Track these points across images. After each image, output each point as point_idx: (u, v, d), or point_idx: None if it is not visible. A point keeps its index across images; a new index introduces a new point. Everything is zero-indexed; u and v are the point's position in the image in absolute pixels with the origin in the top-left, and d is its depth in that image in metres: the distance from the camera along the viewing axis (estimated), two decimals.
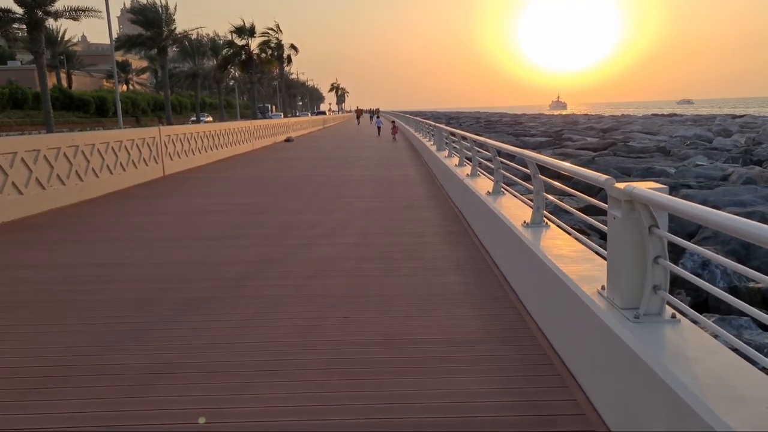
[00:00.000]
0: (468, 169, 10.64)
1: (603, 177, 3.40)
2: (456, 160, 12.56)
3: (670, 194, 3.00)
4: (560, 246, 4.84)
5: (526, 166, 6.00)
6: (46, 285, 5.97)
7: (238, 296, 5.45)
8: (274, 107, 72.06)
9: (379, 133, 36.91)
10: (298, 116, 56.29)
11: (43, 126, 40.98)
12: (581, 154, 19.17)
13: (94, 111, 68.51)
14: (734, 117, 51.62)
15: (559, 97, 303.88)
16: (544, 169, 5.65)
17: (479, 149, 9.98)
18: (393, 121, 36.37)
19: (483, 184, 8.85)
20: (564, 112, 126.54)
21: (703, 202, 9.41)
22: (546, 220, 5.71)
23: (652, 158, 18.02)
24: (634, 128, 37.01)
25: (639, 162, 16.31)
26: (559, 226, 5.52)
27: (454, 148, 13.28)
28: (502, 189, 7.84)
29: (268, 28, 51.18)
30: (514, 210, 6.58)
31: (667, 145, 21.97)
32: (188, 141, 18.11)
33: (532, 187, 5.89)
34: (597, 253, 4.39)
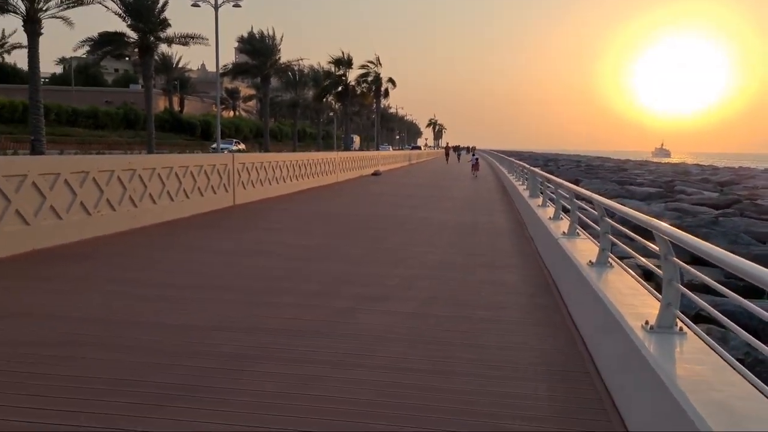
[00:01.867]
0: (565, 224, 8.79)
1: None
2: (551, 211, 10.70)
3: None
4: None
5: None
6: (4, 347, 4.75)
7: (228, 389, 3.99)
8: (359, 138, 72.11)
9: (473, 171, 34.98)
10: (379, 150, 55.49)
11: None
12: (700, 212, 16.52)
13: (199, 134, 71.69)
14: None
15: (663, 145, 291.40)
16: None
17: (581, 203, 8.13)
18: (477, 159, 36.63)
19: (583, 248, 7.02)
20: (667, 160, 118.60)
21: None
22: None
23: None
24: (758, 183, 32.96)
25: None
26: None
27: (551, 198, 11.41)
28: (610, 259, 5.99)
29: (368, 62, 51.37)
30: (629, 293, 4.80)
31: None
32: (264, 170, 17.31)
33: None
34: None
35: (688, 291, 3.77)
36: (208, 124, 71.85)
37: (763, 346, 2.73)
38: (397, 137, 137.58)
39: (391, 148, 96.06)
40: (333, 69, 49.68)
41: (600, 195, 21.57)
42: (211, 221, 12.36)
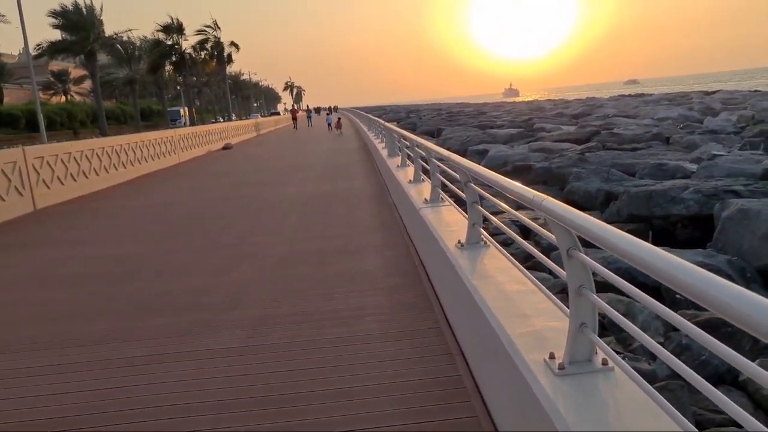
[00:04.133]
0: (427, 188, 7.32)
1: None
2: (411, 171, 9.22)
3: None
4: None
5: None
6: None
7: None
8: (187, 111, 63.07)
9: (330, 129, 38.88)
10: (231, 120, 51.41)
11: None
12: (564, 149, 16.00)
13: (24, 126, 63.06)
14: (707, 93, 49.42)
15: (511, 85, 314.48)
16: None
17: (441, 164, 6.63)
18: (339, 118, 39.68)
19: (450, 220, 5.56)
20: (517, 99, 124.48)
21: None
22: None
23: (650, 149, 14.98)
24: (608, 111, 34.20)
25: (639, 156, 13.23)
26: None
27: (409, 155, 9.92)
28: (482, 236, 4.52)
29: (205, 26, 46.98)
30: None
31: (661, 130, 18.99)
32: (76, 161, 14.33)
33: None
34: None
35: (489, 214, 4.27)
36: (35, 114, 63.45)
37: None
38: (256, 104, 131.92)
39: (258, 116, 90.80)
40: (163, 38, 44.90)
41: (464, 143, 20.49)
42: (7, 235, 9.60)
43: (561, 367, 2.37)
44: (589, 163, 12.08)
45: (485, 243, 4.44)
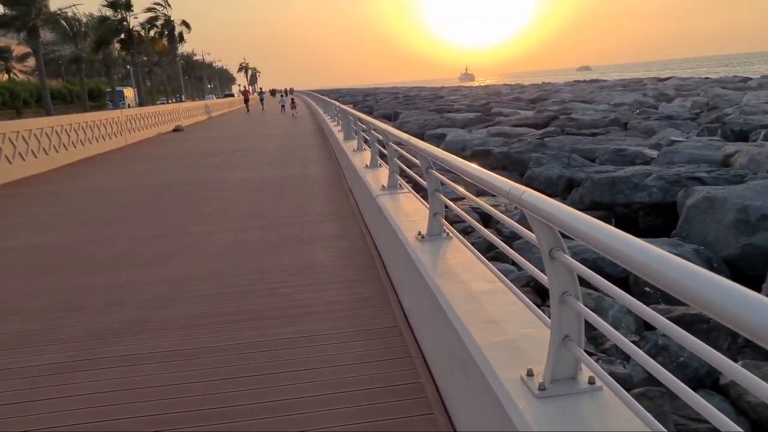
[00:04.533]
0: (386, 174, 6.91)
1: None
2: (368, 156, 8.80)
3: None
4: None
5: None
6: None
7: None
8: (131, 92, 59.18)
9: (282, 111, 39.18)
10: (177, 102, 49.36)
11: None
12: (522, 134, 15.81)
13: None
14: (660, 80, 50.33)
15: (467, 69, 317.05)
16: None
17: (399, 148, 6.22)
18: (293, 99, 40.17)
19: (410, 208, 5.17)
20: (474, 83, 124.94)
21: (745, 209, 6.15)
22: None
23: (609, 134, 14.89)
24: (564, 96, 34.31)
25: (598, 141, 13.11)
26: None
27: (366, 139, 9.49)
28: (444, 226, 4.14)
29: (155, 3, 45.06)
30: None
31: (618, 116, 19.00)
32: (12, 143, 13.35)
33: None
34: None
35: (450, 201, 3.85)
36: None
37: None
38: (210, 86, 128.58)
39: (214, 97, 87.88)
40: (110, 14, 42.91)
41: (421, 126, 20.16)
42: None
43: (542, 388, 2.04)
44: (549, 148, 11.87)
45: (447, 234, 4.06)
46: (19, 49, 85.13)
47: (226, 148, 18.12)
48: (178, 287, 5.11)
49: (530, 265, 2.42)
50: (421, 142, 4.11)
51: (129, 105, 52.11)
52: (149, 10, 44.83)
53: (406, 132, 9.93)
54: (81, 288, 5.26)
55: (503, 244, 2.91)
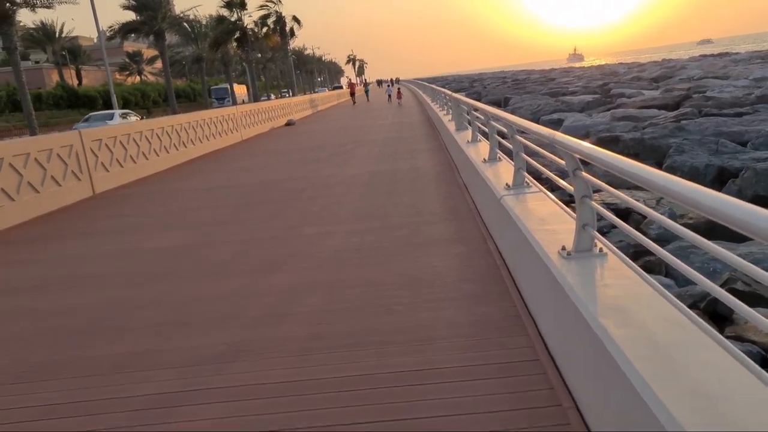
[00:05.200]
0: (508, 169, 6.20)
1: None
2: (484, 149, 8.08)
3: None
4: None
5: None
6: None
7: None
8: (244, 88, 59.22)
9: (389, 100, 39.26)
10: (281, 96, 49.74)
11: (41, 127, 37.55)
12: (652, 116, 14.25)
13: (101, 106, 65.16)
14: None
15: (576, 50, 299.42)
16: None
17: (522, 137, 5.47)
18: (399, 89, 39.90)
19: (543, 212, 4.45)
20: (585, 64, 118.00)
21: None
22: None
23: (758, 113, 13.00)
24: (692, 73, 31.26)
25: (747, 122, 11.38)
26: None
27: (483, 132, 8.76)
28: (596, 239, 3.40)
29: (267, 0, 46.40)
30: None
31: (765, 91, 16.68)
32: (135, 142, 13.93)
33: None
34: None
35: (603, 209, 3.26)
36: (110, 94, 65.39)
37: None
38: (320, 79, 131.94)
39: (326, 90, 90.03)
40: (225, 13, 44.66)
41: (535, 112, 19.04)
42: (55, 225, 9.17)
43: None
44: (689, 132, 10.44)
45: (600, 250, 3.32)
46: (148, 53, 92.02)
47: (335, 141, 18.02)
48: (285, 302, 4.72)
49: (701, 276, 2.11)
50: (566, 136, 3.38)
51: (243, 101, 53.07)
52: (262, 7, 46.28)
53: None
54: (189, 300, 5.04)
55: (677, 261, 2.24)
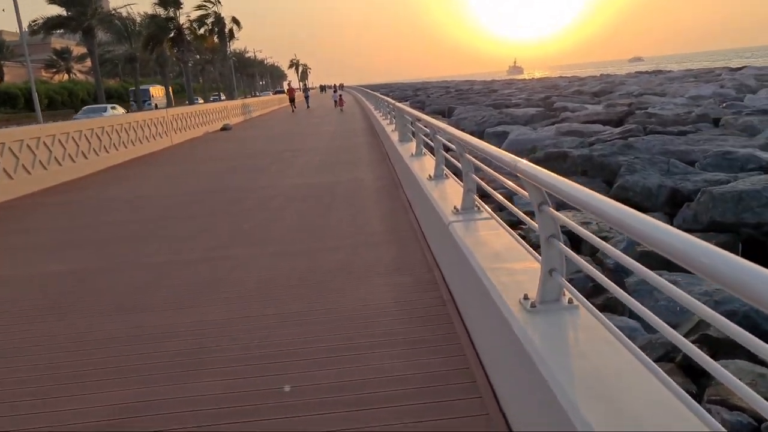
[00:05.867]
0: (456, 189, 5.65)
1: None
2: (429, 163, 7.52)
3: None
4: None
5: None
6: None
7: None
8: (160, 90, 54.72)
9: (336, 105, 38.60)
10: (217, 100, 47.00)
11: None
12: (597, 132, 14.14)
13: (23, 105, 61.38)
14: (732, 70, 46.85)
15: (515, 62, 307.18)
16: None
17: (472, 158, 4.90)
18: (340, 95, 39.41)
19: (499, 245, 3.89)
20: (524, 77, 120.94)
21: None
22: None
23: (701, 132, 13.06)
24: (631, 89, 31.98)
25: (693, 141, 11.33)
26: None
27: (428, 146, 8.20)
28: (565, 290, 2.82)
29: (205, 0, 44.80)
30: None
31: (705, 110, 16.93)
32: (46, 147, 12.67)
33: None
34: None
35: (572, 253, 2.63)
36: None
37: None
38: (261, 83, 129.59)
39: (270, 93, 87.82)
40: (160, 11, 42.82)
41: (480, 124, 18.67)
42: None
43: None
44: (638, 150, 10.24)
45: (570, 301, 2.75)
46: (77, 50, 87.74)
47: (274, 149, 17.15)
48: (196, 349, 3.95)
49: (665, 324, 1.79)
50: (531, 165, 2.80)
51: (156, 105, 47.57)
52: (199, 7, 44.62)
53: (462, 130, 8.54)
54: (76, 344, 4.18)
55: (637, 303, 1.73)
